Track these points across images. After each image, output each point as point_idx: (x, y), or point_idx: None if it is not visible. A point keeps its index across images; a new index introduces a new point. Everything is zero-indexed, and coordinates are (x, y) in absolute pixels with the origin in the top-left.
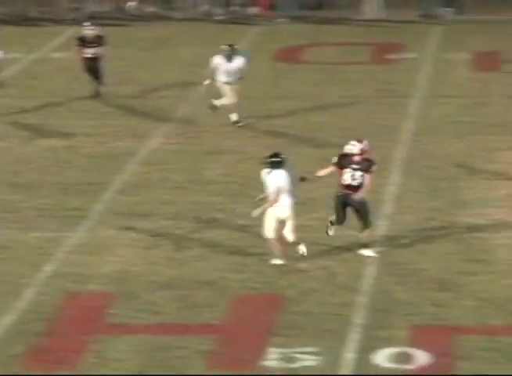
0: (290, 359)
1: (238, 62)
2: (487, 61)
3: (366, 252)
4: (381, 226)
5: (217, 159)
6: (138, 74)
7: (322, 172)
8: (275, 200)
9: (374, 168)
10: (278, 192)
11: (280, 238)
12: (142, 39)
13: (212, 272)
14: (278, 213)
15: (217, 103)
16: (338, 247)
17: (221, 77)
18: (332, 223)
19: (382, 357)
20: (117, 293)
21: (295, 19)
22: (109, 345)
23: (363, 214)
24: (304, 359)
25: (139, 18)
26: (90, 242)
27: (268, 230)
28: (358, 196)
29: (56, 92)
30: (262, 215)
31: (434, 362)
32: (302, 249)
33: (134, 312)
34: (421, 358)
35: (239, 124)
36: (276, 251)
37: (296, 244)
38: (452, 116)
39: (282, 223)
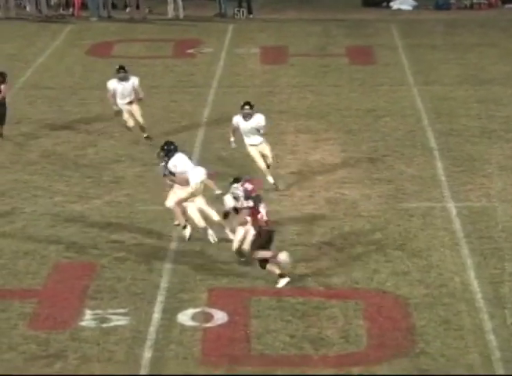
0: (104, 320)
1: (132, 82)
2: (274, 55)
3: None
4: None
5: (37, 143)
6: None
7: (239, 220)
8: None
9: (260, 198)
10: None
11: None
12: None
13: (33, 243)
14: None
15: (144, 135)
16: (146, 222)
17: (120, 101)
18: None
19: (185, 317)
20: None
21: (105, 18)
22: None
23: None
24: (116, 320)
25: None
26: None
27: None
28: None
29: None
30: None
31: (230, 320)
32: (188, 232)
33: None
34: (219, 316)
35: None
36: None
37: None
38: None
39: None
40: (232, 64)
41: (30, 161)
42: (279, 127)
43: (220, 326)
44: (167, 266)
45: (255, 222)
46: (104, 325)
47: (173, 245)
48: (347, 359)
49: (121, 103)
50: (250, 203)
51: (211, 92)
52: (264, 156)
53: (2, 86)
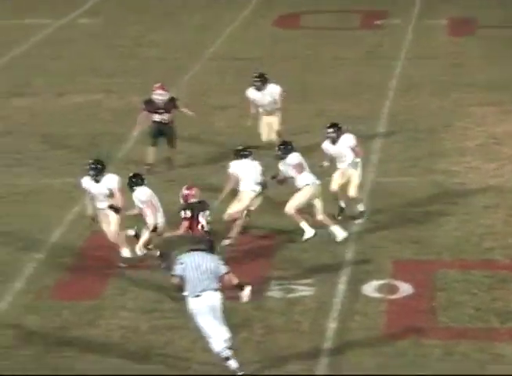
0: (290, 290)
1: (270, 91)
2: (462, 27)
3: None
4: (369, 172)
5: (224, 114)
6: (155, 37)
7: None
8: None
9: (203, 206)
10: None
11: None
12: (158, 5)
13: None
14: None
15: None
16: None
17: (260, 110)
18: None
19: (370, 288)
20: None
21: None
22: (127, 278)
23: None
24: (301, 290)
25: None
26: None
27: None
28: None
29: (83, 54)
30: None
31: (415, 292)
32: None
33: None
34: (404, 289)
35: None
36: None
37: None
38: (431, 75)
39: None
40: (419, 36)
41: (219, 132)
42: (467, 99)
43: (405, 298)
44: (353, 237)
45: (193, 233)
46: (289, 295)
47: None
48: None
49: (261, 113)
50: (188, 213)
51: (398, 64)
52: (348, 182)
53: (181, 110)
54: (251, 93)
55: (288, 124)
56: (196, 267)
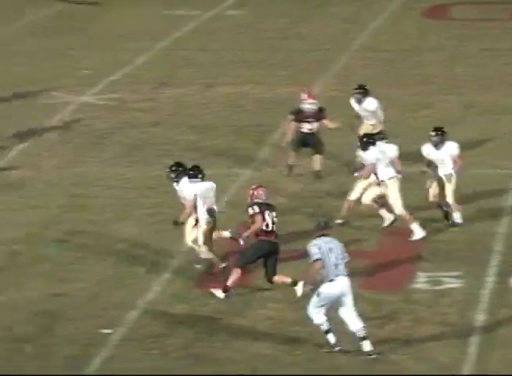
0: (437, 282)
1: (368, 104)
2: None
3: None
4: None
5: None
6: (302, 29)
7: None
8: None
9: (269, 207)
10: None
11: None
12: None
13: None
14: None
15: None
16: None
17: (364, 121)
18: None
19: None
20: None
21: None
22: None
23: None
24: (449, 283)
25: None
26: (259, 178)
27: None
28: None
29: (230, 46)
30: None
31: None
32: None
33: None
34: None
35: None
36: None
37: None
38: None
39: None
40: None
41: None
42: None
43: None
44: (502, 230)
45: (257, 233)
46: (437, 287)
47: (508, 208)
48: None
49: (369, 123)
50: (256, 208)
51: None
52: (444, 190)
53: (325, 121)
54: (352, 103)
55: (436, 116)
56: (331, 251)
